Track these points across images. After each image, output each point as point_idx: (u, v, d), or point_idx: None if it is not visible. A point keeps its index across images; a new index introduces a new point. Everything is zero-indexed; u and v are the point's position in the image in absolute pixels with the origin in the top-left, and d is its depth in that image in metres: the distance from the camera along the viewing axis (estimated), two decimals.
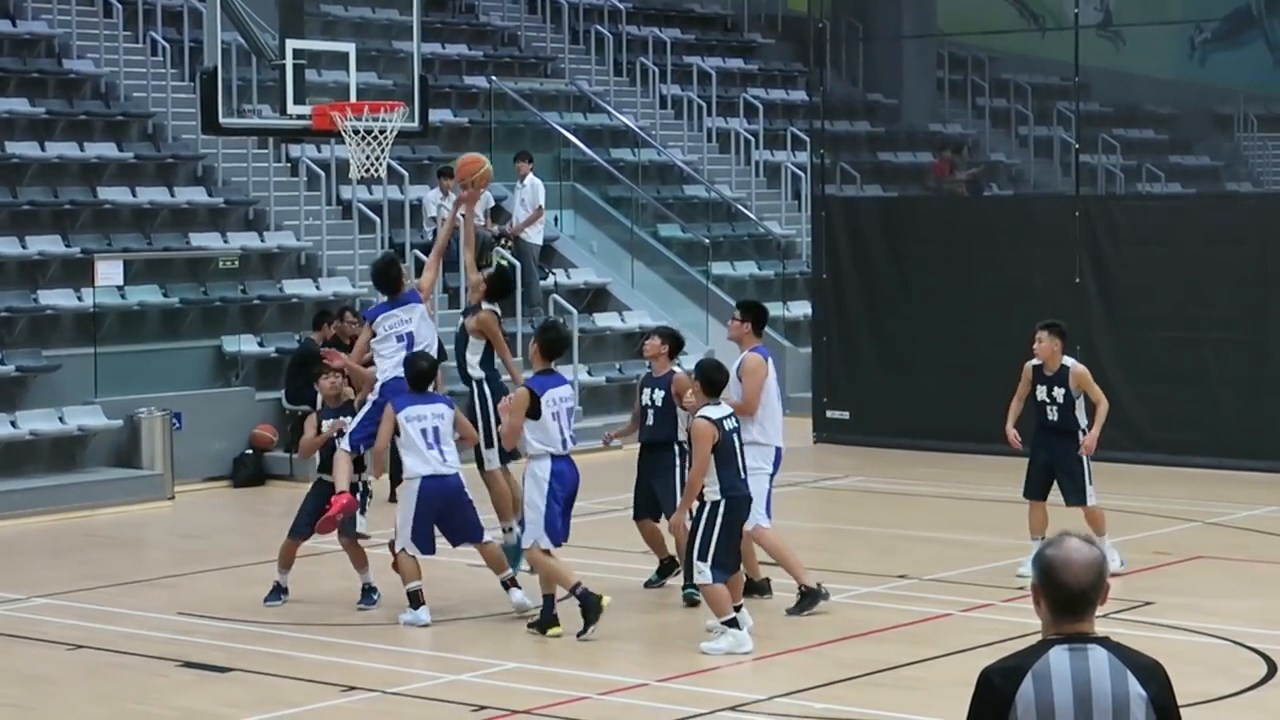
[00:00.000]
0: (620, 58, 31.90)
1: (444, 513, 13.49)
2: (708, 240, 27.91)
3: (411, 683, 11.99)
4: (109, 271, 21.44)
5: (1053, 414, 14.97)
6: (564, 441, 13.05)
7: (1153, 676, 5.01)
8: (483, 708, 11.30)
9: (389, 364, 13.99)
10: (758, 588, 14.11)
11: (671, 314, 26.87)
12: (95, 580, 15.24)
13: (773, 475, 13.88)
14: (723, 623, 12.60)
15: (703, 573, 12.46)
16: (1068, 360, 15.06)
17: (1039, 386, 15.01)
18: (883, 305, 23.86)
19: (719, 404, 12.65)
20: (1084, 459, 14.89)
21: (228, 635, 13.37)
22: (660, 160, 29.66)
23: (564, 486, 13.03)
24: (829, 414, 24.09)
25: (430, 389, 13.70)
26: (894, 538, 17.45)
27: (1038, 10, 29.47)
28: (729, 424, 12.57)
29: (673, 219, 28.34)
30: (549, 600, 13.16)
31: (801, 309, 26.92)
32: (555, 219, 27.38)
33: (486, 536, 13.80)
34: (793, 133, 31.12)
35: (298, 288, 23.67)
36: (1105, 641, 5.02)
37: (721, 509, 12.47)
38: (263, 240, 24.20)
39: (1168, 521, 17.93)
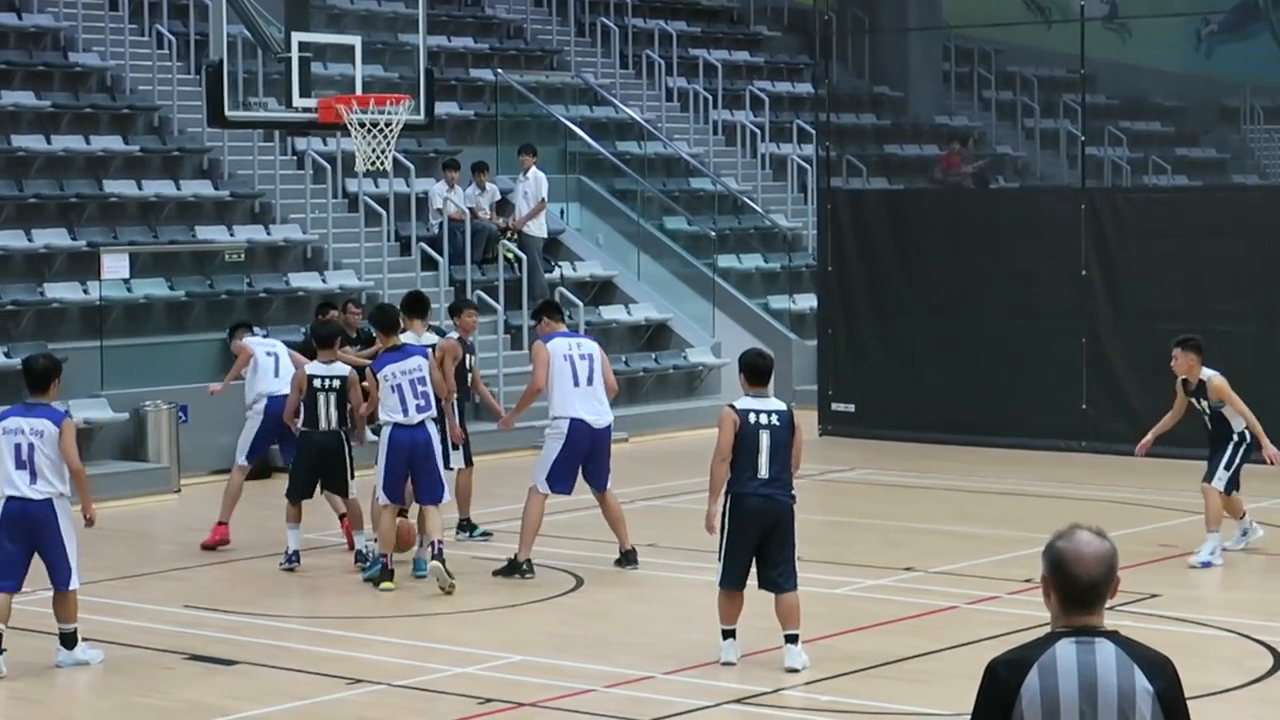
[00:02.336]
0: (626, 50, 31.89)
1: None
2: (714, 233, 27.89)
3: (417, 675, 11.98)
4: (115, 264, 21.44)
5: (1209, 423, 15.72)
6: (405, 410, 14.53)
7: (1160, 672, 5.00)
8: (489, 700, 11.30)
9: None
10: (626, 558, 15.29)
11: (678, 306, 26.89)
12: (101, 573, 15.21)
13: (571, 446, 14.87)
14: (722, 630, 12.03)
15: (719, 573, 11.96)
16: (1206, 373, 15.59)
17: (1192, 399, 15.71)
18: (888, 298, 23.83)
19: (764, 395, 11.84)
20: (1233, 450, 15.53)
21: (234, 628, 13.38)
22: (666, 153, 29.64)
23: (396, 452, 14.46)
24: (834, 407, 24.07)
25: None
26: (899, 530, 17.44)
27: (1044, 3, 29.47)
28: (761, 419, 11.71)
29: (679, 211, 28.33)
30: (381, 558, 14.57)
31: (807, 301, 26.90)
32: (561, 212, 27.38)
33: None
34: (799, 125, 31.10)
35: (304, 281, 23.66)
36: (1114, 635, 5.01)
37: (728, 506, 11.82)
38: (269, 233, 24.20)
39: (1173, 514, 17.91)
